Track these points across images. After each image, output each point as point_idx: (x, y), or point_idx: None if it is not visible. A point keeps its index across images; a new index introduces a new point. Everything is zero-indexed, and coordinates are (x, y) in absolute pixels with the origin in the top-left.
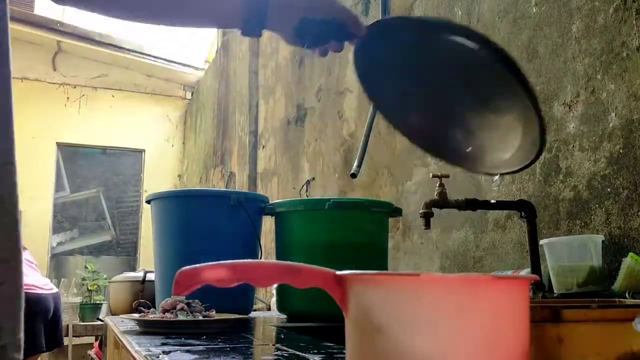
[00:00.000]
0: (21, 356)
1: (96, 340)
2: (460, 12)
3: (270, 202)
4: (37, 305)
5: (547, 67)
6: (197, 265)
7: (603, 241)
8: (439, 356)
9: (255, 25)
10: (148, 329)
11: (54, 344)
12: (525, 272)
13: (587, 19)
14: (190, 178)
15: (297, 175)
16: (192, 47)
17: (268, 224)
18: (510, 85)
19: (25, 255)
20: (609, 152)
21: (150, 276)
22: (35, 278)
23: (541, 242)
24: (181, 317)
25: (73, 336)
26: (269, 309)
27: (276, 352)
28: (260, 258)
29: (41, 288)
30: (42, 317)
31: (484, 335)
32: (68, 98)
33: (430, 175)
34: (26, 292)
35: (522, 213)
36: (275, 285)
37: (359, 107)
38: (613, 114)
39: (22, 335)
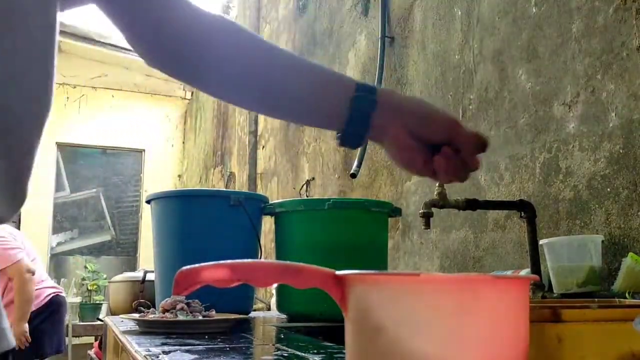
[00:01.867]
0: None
1: (96, 340)
2: (460, 12)
3: (270, 202)
4: (64, 307)
5: (547, 67)
6: (197, 265)
7: (603, 241)
8: (438, 356)
9: (354, 135)
10: (148, 329)
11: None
12: (525, 272)
13: (587, 19)
14: (190, 178)
15: (297, 175)
16: None
17: (268, 224)
18: None
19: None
20: (609, 152)
21: (150, 276)
22: (53, 281)
23: (541, 242)
24: (181, 317)
25: (73, 336)
26: (268, 309)
27: (276, 352)
28: (260, 258)
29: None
30: (64, 319)
31: (484, 335)
32: (68, 98)
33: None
34: (57, 295)
35: (522, 213)
36: (275, 285)
37: None
38: (613, 114)
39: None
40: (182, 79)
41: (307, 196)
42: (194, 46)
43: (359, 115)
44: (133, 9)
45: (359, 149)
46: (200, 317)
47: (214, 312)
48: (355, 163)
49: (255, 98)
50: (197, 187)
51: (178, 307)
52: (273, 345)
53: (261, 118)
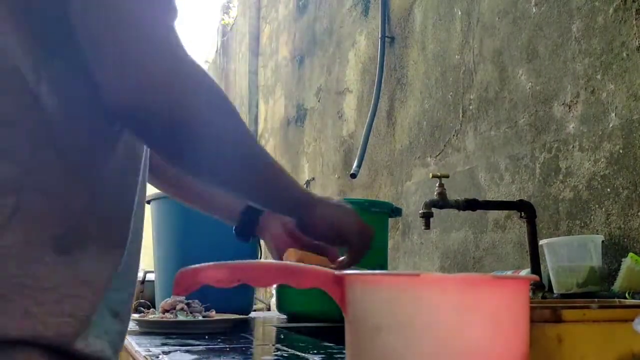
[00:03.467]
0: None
1: None
2: (460, 12)
3: None
4: None
5: (547, 67)
6: (197, 265)
7: (603, 241)
8: (438, 356)
9: (246, 234)
10: (148, 329)
11: None
12: (525, 272)
13: (587, 19)
14: None
15: (297, 175)
16: (192, 47)
17: None
18: None
19: None
20: (609, 152)
21: (150, 276)
22: None
23: (541, 242)
24: (181, 317)
25: None
26: (268, 309)
27: (276, 352)
28: (260, 258)
29: None
30: None
31: (484, 336)
32: None
33: (430, 175)
34: None
35: (522, 213)
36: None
37: (358, 107)
38: (613, 114)
39: None
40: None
41: None
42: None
43: (248, 216)
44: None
45: (359, 149)
46: (200, 317)
47: (214, 312)
48: (355, 163)
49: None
50: None
51: (178, 307)
52: (273, 345)
53: (261, 118)
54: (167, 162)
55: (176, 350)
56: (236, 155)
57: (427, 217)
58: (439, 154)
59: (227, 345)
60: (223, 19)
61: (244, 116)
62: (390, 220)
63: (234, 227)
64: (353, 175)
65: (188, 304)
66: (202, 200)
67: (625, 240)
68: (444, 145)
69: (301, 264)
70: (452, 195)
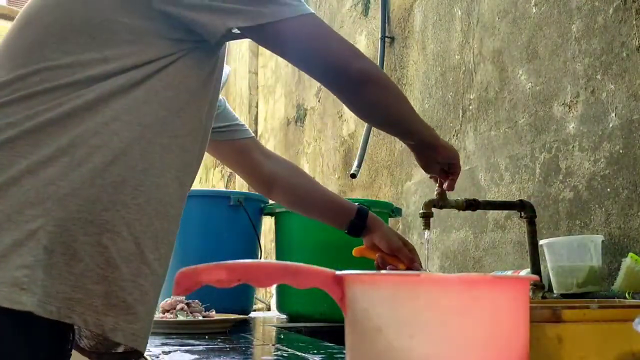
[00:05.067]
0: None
1: None
2: (460, 12)
3: (270, 202)
4: None
5: (547, 67)
6: (197, 265)
7: (603, 241)
8: (438, 356)
9: (358, 231)
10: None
11: None
12: (525, 272)
13: (587, 19)
14: None
15: None
16: None
17: (268, 224)
18: None
19: None
20: (609, 152)
21: None
22: None
23: (541, 242)
24: (181, 317)
25: None
26: (269, 309)
27: (276, 352)
28: (260, 258)
29: None
30: None
31: (484, 336)
32: None
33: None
34: None
35: (522, 213)
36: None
37: None
38: (613, 114)
39: None
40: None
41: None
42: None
43: (359, 222)
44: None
45: (359, 149)
46: (200, 317)
47: (214, 312)
48: (355, 163)
49: (302, 210)
50: (197, 187)
51: (178, 307)
52: (273, 345)
53: (261, 118)
54: (383, 110)
55: (176, 350)
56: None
57: (427, 217)
58: None
59: (227, 345)
60: None
61: (244, 116)
62: (390, 220)
63: (346, 229)
64: (353, 175)
65: (188, 304)
66: (318, 212)
67: (625, 240)
68: None
69: (301, 264)
70: (452, 195)
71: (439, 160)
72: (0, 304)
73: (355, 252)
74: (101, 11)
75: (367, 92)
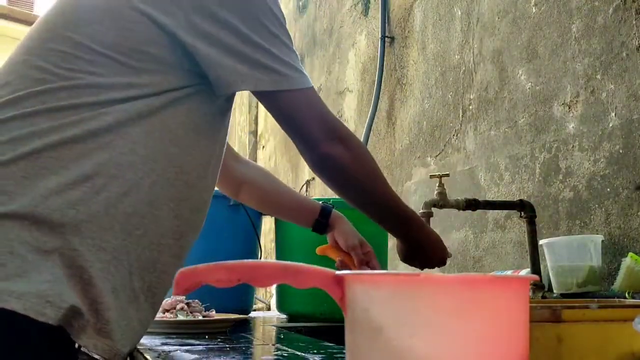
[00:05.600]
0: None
1: None
2: (460, 12)
3: None
4: None
5: (547, 67)
6: (197, 265)
7: (603, 241)
8: (438, 356)
9: (322, 228)
10: (148, 329)
11: None
12: (525, 272)
13: (587, 19)
14: None
15: (297, 175)
16: None
17: (268, 224)
18: None
19: None
20: (609, 152)
21: None
22: None
23: (541, 242)
24: (181, 317)
25: None
26: (269, 309)
27: (276, 352)
28: (260, 258)
29: None
30: None
31: (484, 336)
32: None
33: (429, 175)
34: None
35: (522, 213)
36: (275, 285)
37: (358, 107)
38: (613, 114)
39: None
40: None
41: (307, 196)
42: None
43: (323, 219)
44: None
45: None
46: (200, 317)
47: (214, 312)
48: None
49: (269, 211)
50: None
51: (178, 307)
52: (273, 345)
53: (261, 118)
54: (338, 193)
55: (176, 350)
56: (384, 205)
57: (427, 217)
58: (439, 153)
59: (227, 345)
60: None
61: (244, 116)
62: None
63: (312, 227)
64: None
65: (188, 304)
66: (284, 212)
67: (625, 240)
68: (444, 145)
69: (301, 264)
70: (452, 195)
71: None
72: (27, 314)
73: (318, 250)
74: (130, 39)
75: (330, 177)
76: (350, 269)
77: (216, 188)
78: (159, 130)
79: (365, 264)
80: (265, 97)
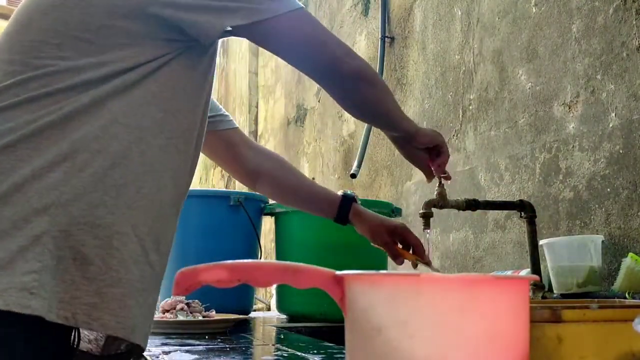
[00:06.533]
0: None
1: None
2: (460, 12)
3: (270, 202)
4: None
5: (547, 67)
6: (197, 265)
7: (603, 241)
8: (438, 357)
9: (343, 219)
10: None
11: None
12: (525, 272)
13: (587, 19)
14: None
15: None
16: None
17: (268, 224)
18: None
19: None
20: (609, 152)
21: None
22: None
23: (541, 242)
24: (181, 317)
25: None
26: (269, 309)
27: (276, 352)
28: (260, 258)
29: None
30: None
31: (484, 336)
32: None
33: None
34: None
35: (522, 213)
36: (275, 285)
37: None
38: (613, 114)
39: None
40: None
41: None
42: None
43: (344, 208)
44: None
45: (359, 149)
46: (200, 317)
47: (214, 312)
48: (355, 163)
49: (288, 201)
50: (197, 187)
51: (178, 307)
52: (273, 345)
53: (261, 118)
54: (348, 107)
55: (176, 350)
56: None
57: (427, 217)
58: None
59: (227, 345)
60: None
61: (244, 116)
62: None
63: (334, 217)
64: (353, 176)
65: (188, 304)
66: (303, 203)
67: (625, 240)
68: None
69: (301, 264)
70: (452, 195)
71: (420, 147)
72: (10, 309)
73: (399, 256)
74: (97, 16)
75: (360, 89)
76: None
77: (225, 189)
78: (140, 98)
79: (406, 245)
80: (267, 30)
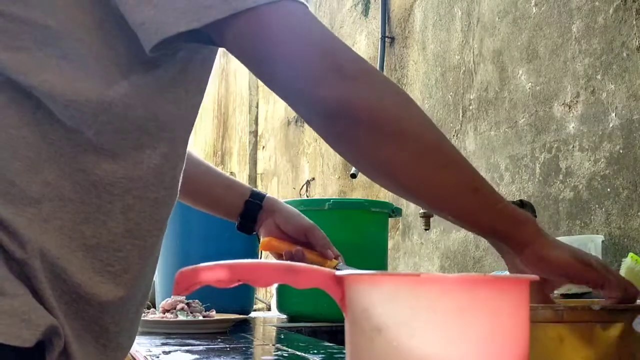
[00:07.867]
0: None
1: None
2: (460, 12)
3: None
4: None
5: (547, 67)
6: (197, 265)
7: (603, 241)
8: (438, 356)
9: (248, 227)
10: (148, 329)
11: None
12: None
13: (587, 19)
14: None
15: (297, 175)
16: None
17: None
18: None
19: None
20: (609, 152)
21: None
22: None
23: None
24: (181, 317)
25: None
26: (269, 309)
27: (276, 352)
28: (260, 258)
29: None
30: None
31: (484, 336)
32: None
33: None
34: None
35: None
36: (275, 285)
37: None
38: (613, 114)
39: None
40: None
41: (307, 196)
42: None
43: (249, 212)
44: None
45: None
46: (200, 317)
47: (214, 312)
48: None
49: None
50: None
51: (178, 307)
52: (273, 345)
53: (261, 118)
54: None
55: (176, 350)
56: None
57: (427, 217)
58: None
59: (227, 345)
60: None
61: (244, 116)
62: (390, 220)
63: (236, 224)
64: (353, 176)
65: (188, 304)
66: (201, 198)
67: (625, 240)
68: None
69: (301, 264)
70: None
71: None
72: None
73: (262, 246)
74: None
75: (345, 132)
76: (304, 259)
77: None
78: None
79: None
80: (222, 34)
